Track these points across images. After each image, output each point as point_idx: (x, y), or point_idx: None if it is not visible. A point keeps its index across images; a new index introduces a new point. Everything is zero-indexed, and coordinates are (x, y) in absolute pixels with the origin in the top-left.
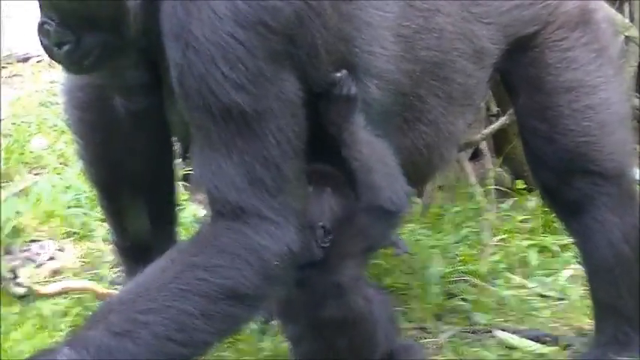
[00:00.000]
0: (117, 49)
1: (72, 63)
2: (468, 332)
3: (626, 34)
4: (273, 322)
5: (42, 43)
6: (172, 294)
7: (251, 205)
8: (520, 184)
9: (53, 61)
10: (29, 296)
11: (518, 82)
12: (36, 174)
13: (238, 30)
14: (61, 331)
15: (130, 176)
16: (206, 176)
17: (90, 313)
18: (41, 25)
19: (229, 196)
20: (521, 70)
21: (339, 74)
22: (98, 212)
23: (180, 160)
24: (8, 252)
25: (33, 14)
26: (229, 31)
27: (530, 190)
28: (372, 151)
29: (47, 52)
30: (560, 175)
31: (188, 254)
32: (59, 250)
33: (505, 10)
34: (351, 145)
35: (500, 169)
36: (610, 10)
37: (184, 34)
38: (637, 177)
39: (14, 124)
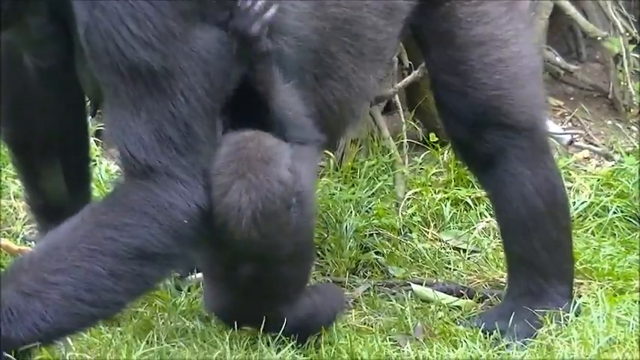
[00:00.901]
0: (23, 6)
1: None
2: (383, 286)
3: None
4: (187, 278)
5: None
6: (81, 254)
7: (159, 163)
8: (433, 138)
9: None
10: None
11: (430, 36)
12: None
13: None
14: None
15: (42, 134)
16: (116, 135)
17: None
18: None
19: (138, 154)
20: (432, 25)
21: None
22: (11, 169)
23: (95, 115)
24: None
25: None
26: None
27: (443, 144)
28: (292, 97)
29: None
30: (472, 128)
31: (98, 213)
32: None
33: None
34: (275, 97)
35: (413, 123)
36: None
37: None
38: (549, 130)
39: None
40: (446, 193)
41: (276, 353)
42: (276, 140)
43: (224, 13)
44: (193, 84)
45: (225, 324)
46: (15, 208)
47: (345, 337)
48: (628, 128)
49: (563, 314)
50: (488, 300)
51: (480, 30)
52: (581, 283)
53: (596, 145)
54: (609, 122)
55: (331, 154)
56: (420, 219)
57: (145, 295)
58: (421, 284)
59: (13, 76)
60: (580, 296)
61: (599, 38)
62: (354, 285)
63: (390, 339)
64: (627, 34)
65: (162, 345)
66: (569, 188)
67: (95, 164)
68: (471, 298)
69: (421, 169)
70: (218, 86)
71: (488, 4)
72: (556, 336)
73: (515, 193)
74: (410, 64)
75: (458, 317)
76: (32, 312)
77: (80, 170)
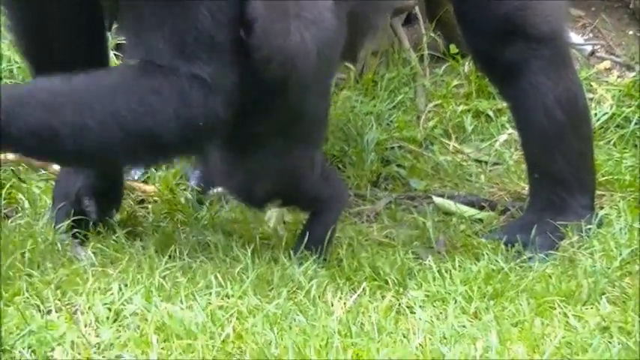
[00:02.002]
0: None
1: None
2: (405, 199)
3: None
4: (209, 192)
5: None
6: (106, 100)
7: (186, 67)
8: (453, 49)
9: None
10: None
11: None
12: None
13: None
14: None
15: (61, 49)
16: (138, 50)
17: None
18: None
19: (163, 60)
20: None
21: None
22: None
23: (111, 29)
24: None
25: None
26: None
27: (464, 55)
28: None
29: None
30: (494, 39)
31: (129, 76)
32: None
33: None
34: None
35: (433, 34)
36: None
37: None
38: (571, 40)
39: None
40: (467, 105)
41: (298, 267)
42: None
43: None
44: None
45: (248, 202)
46: None
47: (367, 250)
48: None
49: (585, 226)
50: (509, 212)
51: None
52: (603, 195)
53: (617, 56)
54: (630, 33)
55: (351, 67)
56: (441, 131)
57: (167, 208)
58: (443, 197)
59: None
60: (602, 208)
61: None
62: (376, 198)
63: (412, 252)
64: None
65: (184, 260)
66: (591, 99)
67: None
68: (493, 211)
69: (442, 81)
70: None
71: None
72: (578, 248)
73: (536, 103)
74: None
75: (480, 230)
76: (42, 107)
77: None
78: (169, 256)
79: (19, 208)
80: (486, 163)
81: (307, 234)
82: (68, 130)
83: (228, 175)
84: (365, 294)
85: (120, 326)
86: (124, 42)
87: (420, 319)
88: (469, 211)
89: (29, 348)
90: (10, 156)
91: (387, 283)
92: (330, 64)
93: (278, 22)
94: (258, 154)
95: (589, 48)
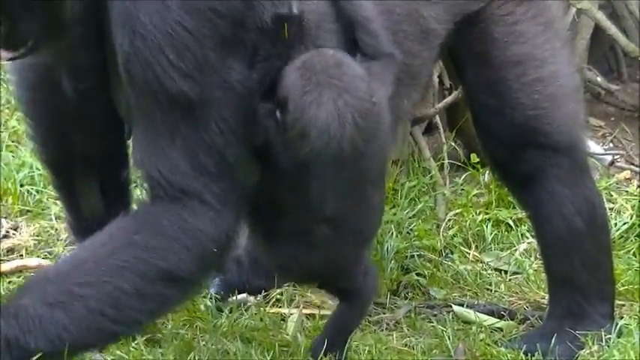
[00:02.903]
0: (54, 34)
1: (8, 48)
2: (425, 307)
3: (578, 6)
4: (229, 299)
5: None
6: (110, 270)
7: (193, 188)
8: (474, 158)
9: None
10: None
11: (466, 57)
12: None
13: (186, 17)
14: None
15: (81, 155)
16: (148, 160)
17: None
18: None
19: (171, 179)
20: (468, 46)
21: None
22: (52, 190)
23: (130, 138)
24: None
25: None
26: (177, 18)
27: (484, 164)
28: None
29: None
30: (511, 148)
31: (128, 232)
32: (13, 228)
33: None
34: None
35: (454, 144)
36: None
37: (132, 22)
38: (590, 150)
39: None
40: (487, 214)
41: None
42: (330, 49)
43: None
44: (228, 115)
45: (289, 278)
46: (56, 230)
47: (387, 358)
48: None
49: (605, 336)
50: (529, 321)
51: (517, 50)
52: (623, 305)
53: (637, 166)
54: None
55: None
56: (461, 240)
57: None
58: (462, 306)
59: (50, 97)
60: (622, 317)
61: None
62: (396, 306)
63: None
64: None
65: None
66: (611, 209)
67: (136, 185)
68: (513, 320)
69: (462, 189)
70: (248, 117)
71: (524, 24)
72: (598, 358)
73: (554, 212)
74: (451, 85)
75: (499, 339)
76: (55, 322)
77: (119, 191)
78: None
79: None
80: (506, 272)
81: (327, 339)
82: (98, 323)
83: (270, 257)
84: None
85: None
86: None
87: None
88: (489, 320)
89: None
90: (29, 262)
91: None
92: (372, 140)
93: (310, 94)
94: (302, 246)
95: (609, 158)
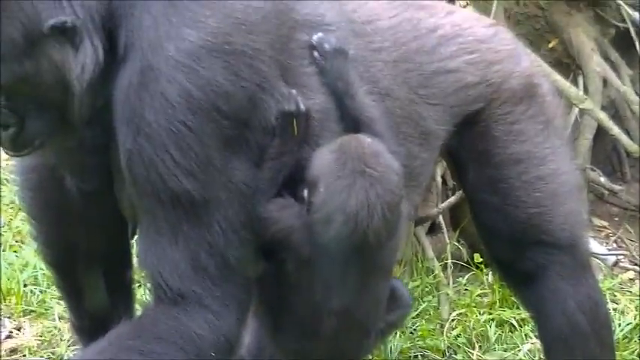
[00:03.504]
0: (61, 134)
1: (14, 147)
2: None
3: (581, 106)
4: None
5: None
6: None
7: (192, 292)
8: (477, 258)
9: None
10: None
11: (467, 156)
12: None
13: (190, 117)
14: None
15: (84, 256)
16: (150, 260)
17: None
18: None
19: (171, 282)
20: (468, 145)
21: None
22: (55, 290)
23: (134, 237)
24: None
25: None
26: (181, 118)
27: (487, 264)
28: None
29: None
30: (512, 246)
31: (126, 337)
32: (17, 328)
33: (451, 91)
34: (355, 95)
35: (457, 243)
36: (564, 83)
37: (136, 120)
38: (592, 248)
39: None
40: (491, 314)
41: None
42: (368, 136)
43: (265, 140)
44: (230, 215)
45: None
46: (60, 330)
47: None
48: None
49: None
50: None
51: (517, 148)
52: None
53: None
54: None
55: None
56: (464, 340)
57: None
58: None
59: (54, 198)
60: None
61: None
62: None
63: None
64: None
65: None
66: (615, 309)
67: (140, 285)
68: None
69: (466, 289)
70: (253, 218)
71: (524, 123)
72: None
73: (556, 310)
74: (454, 185)
75: None
76: None
77: (125, 289)
78: None
79: None
80: None
81: None
82: None
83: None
84: None
85: None
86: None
87: None
88: None
89: None
90: None
91: None
92: (394, 234)
93: (344, 179)
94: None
95: (612, 258)
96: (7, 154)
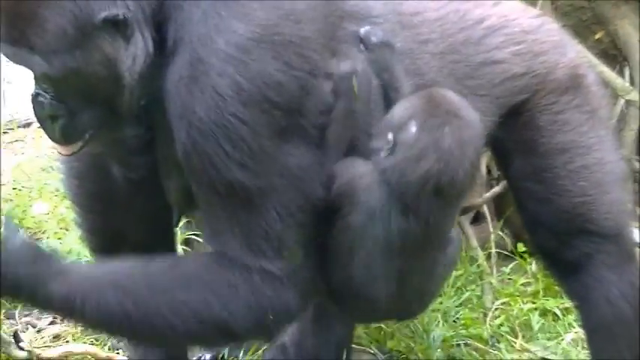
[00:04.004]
0: (111, 125)
1: (65, 139)
2: None
3: (627, 97)
4: None
5: (36, 114)
6: (180, 288)
7: (257, 263)
8: (521, 248)
9: None
10: None
11: (512, 146)
12: (37, 239)
13: (242, 109)
14: None
15: (129, 244)
16: (213, 245)
17: None
18: (35, 97)
19: (236, 258)
20: (513, 135)
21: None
22: None
23: (178, 224)
24: (9, 317)
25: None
26: (232, 111)
27: (531, 254)
28: None
29: (41, 125)
30: (557, 235)
31: (203, 267)
32: None
33: (498, 82)
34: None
35: (501, 233)
36: (611, 74)
37: (188, 115)
38: (636, 238)
39: (15, 189)
40: (534, 303)
41: None
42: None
43: (319, 121)
44: (286, 201)
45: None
46: None
47: None
48: None
49: None
50: None
51: (562, 138)
52: None
53: None
54: None
55: None
56: (507, 329)
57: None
58: None
59: (99, 186)
60: None
61: None
62: None
63: None
64: None
65: None
66: None
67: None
68: None
69: (509, 279)
70: (311, 201)
71: (569, 113)
72: None
73: (601, 298)
74: (498, 175)
75: None
76: (113, 296)
77: None
78: None
79: None
80: None
81: None
82: (141, 314)
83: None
84: None
85: None
86: (192, 236)
87: None
88: None
89: None
90: (76, 348)
91: None
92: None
93: (437, 118)
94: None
95: None
96: (59, 152)
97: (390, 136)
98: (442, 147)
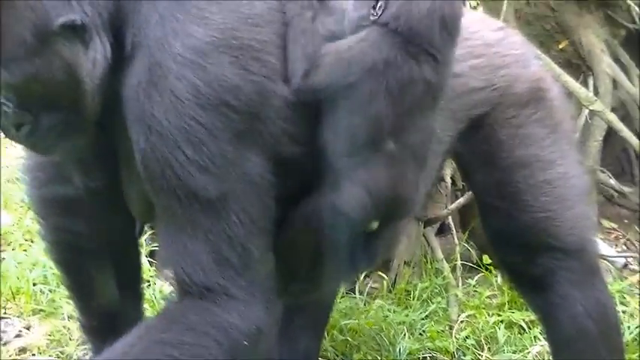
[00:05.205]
0: (75, 128)
1: (31, 144)
2: None
3: (591, 107)
4: None
5: (0, 125)
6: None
7: (218, 284)
8: (487, 260)
9: None
10: None
11: (473, 160)
12: (2, 250)
13: (200, 112)
14: None
15: (93, 255)
16: (172, 257)
17: None
18: None
19: (196, 276)
20: (475, 149)
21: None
22: (63, 289)
23: (142, 235)
24: None
25: None
26: (191, 114)
27: (496, 266)
28: None
29: (5, 134)
30: (520, 250)
31: (156, 330)
32: (26, 327)
33: (455, 96)
34: None
35: (466, 245)
36: (574, 84)
37: (147, 119)
38: (600, 250)
39: None
40: (500, 315)
41: None
42: None
43: (277, 126)
44: (247, 206)
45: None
46: (68, 329)
47: None
48: None
49: None
50: None
51: (523, 152)
52: None
53: None
54: None
55: (384, 276)
56: (473, 342)
57: None
58: None
59: (61, 196)
60: None
61: None
62: None
63: None
64: None
65: None
66: (624, 312)
67: (149, 285)
68: None
69: (475, 291)
70: (271, 207)
71: (530, 127)
72: None
73: (565, 314)
74: (463, 186)
75: None
76: None
77: (133, 290)
78: None
79: None
80: None
81: None
82: None
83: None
84: None
85: None
86: (157, 249)
87: None
88: None
89: None
90: None
91: None
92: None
93: None
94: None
95: (622, 260)
96: (26, 151)
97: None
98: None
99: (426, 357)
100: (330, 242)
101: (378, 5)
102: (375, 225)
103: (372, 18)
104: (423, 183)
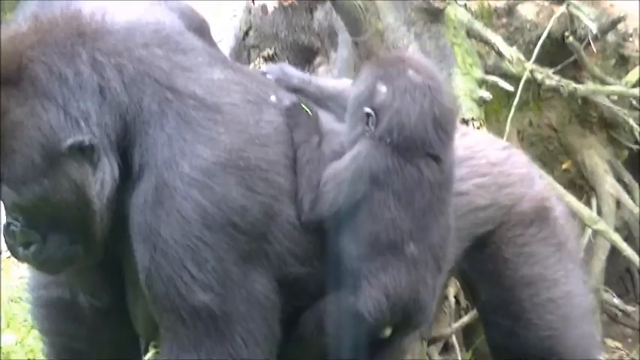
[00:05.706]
0: (83, 248)
1: (39, 263)
2: None
3: (594, 227)
4: None
5: (7, 244)
6: None
7: None
8: None
9: None
10: None
11: (478, 278)
12: None
13: (206, 232)
14: None
15: None
16: None
17: None
18: (7, 227)
19: None
20: (479, 267)
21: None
22: None
23: (147, 354)
24: None
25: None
26: (197, 234)
27: None
28: None
29: (13, 253)
30: None
31: None
32: None
33: (460, 215)
34: None
35: None
36: (578, 204)
37: (153, 237)
38: None
39: None
40: None
41: None
42: None
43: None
44: (252, 328)
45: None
46: None
47: None
48: None
49: None
50: None
51: (528, 270)
52: None
53: None
54: None
55: None
56: None
57: None
58: None
59: (66, 315)
60: None
61: None
62: None
63: None
64: None
65: None
66: None
67: None
68: None
69: None
70: (275, 330)
71: (535, 245)
72: None
73: None
74: (467, 304)
75: None
76: None
77: None
78: None
79: None
80: None
81: None
82: None
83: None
84: None
85: None
86: None
87: None
88: None
89: None
90: None
91: None
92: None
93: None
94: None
95: None
96: (33, 270)
97: (367, 109)
98: (416, 83)
99: None
100: (341, 347)
101: (370, 121)
102: (388, 332)
103: (366, 135)
104: (438, 288)
